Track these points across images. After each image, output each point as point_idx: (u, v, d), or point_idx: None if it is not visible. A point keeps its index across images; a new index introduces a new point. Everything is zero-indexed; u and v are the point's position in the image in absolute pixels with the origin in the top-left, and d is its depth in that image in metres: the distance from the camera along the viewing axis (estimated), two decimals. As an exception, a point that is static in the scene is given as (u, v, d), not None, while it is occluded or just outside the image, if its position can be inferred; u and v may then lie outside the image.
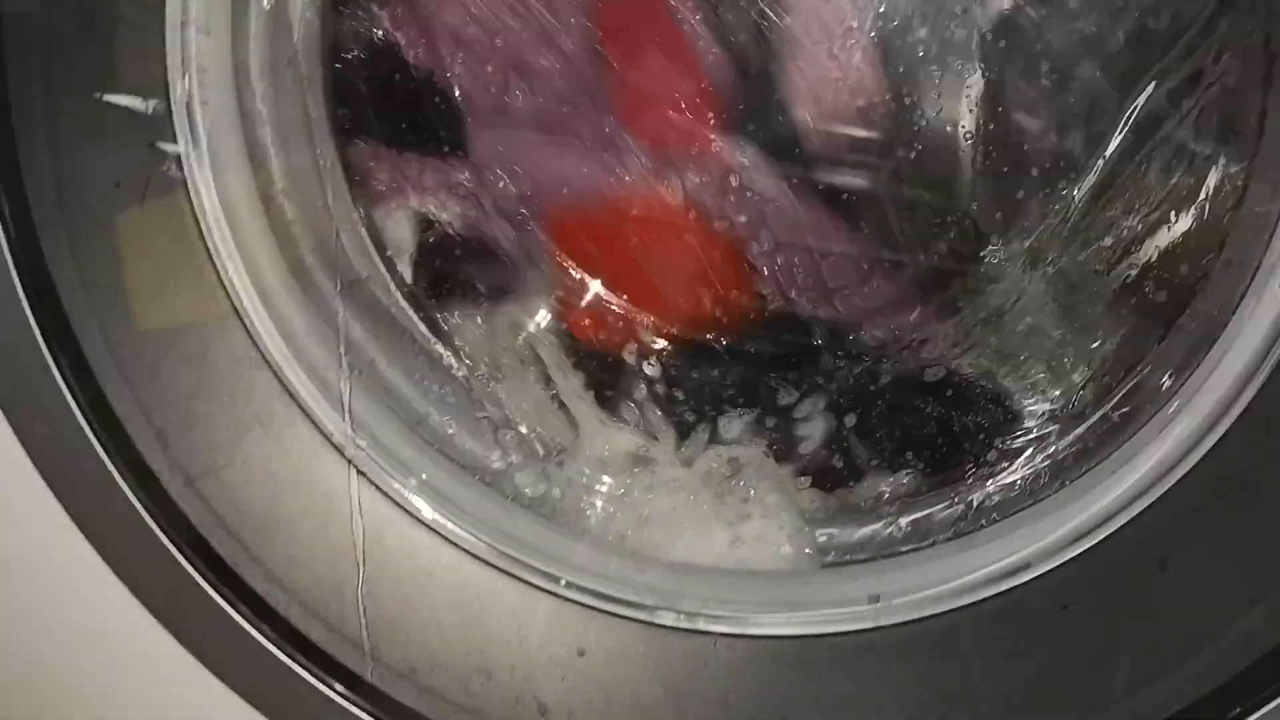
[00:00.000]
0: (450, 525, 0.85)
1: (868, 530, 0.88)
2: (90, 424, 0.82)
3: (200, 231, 0.84)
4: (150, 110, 0.79)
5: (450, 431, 0.92)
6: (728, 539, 0.90)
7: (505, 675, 0.83)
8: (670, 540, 0.90)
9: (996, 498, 0.85)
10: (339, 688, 0.84)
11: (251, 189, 0.86)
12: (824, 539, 0.90)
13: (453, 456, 0.90)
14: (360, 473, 0.85)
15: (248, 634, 0.84)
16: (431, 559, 0.85)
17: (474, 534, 0.85)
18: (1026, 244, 0.87)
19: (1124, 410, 0.81)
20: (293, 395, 0.85)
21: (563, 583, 0.84)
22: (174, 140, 0.80)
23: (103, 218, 0.82)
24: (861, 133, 0.87)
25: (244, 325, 0.85)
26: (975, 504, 0.85)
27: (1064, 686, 0.75)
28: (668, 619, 0.84)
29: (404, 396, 0.92)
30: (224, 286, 0.84)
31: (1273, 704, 0.69)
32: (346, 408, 0.86)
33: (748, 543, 0.89)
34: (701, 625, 0.84)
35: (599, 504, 0.91)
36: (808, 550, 0.89)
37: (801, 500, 0.92)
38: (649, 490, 0.93)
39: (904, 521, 0.88)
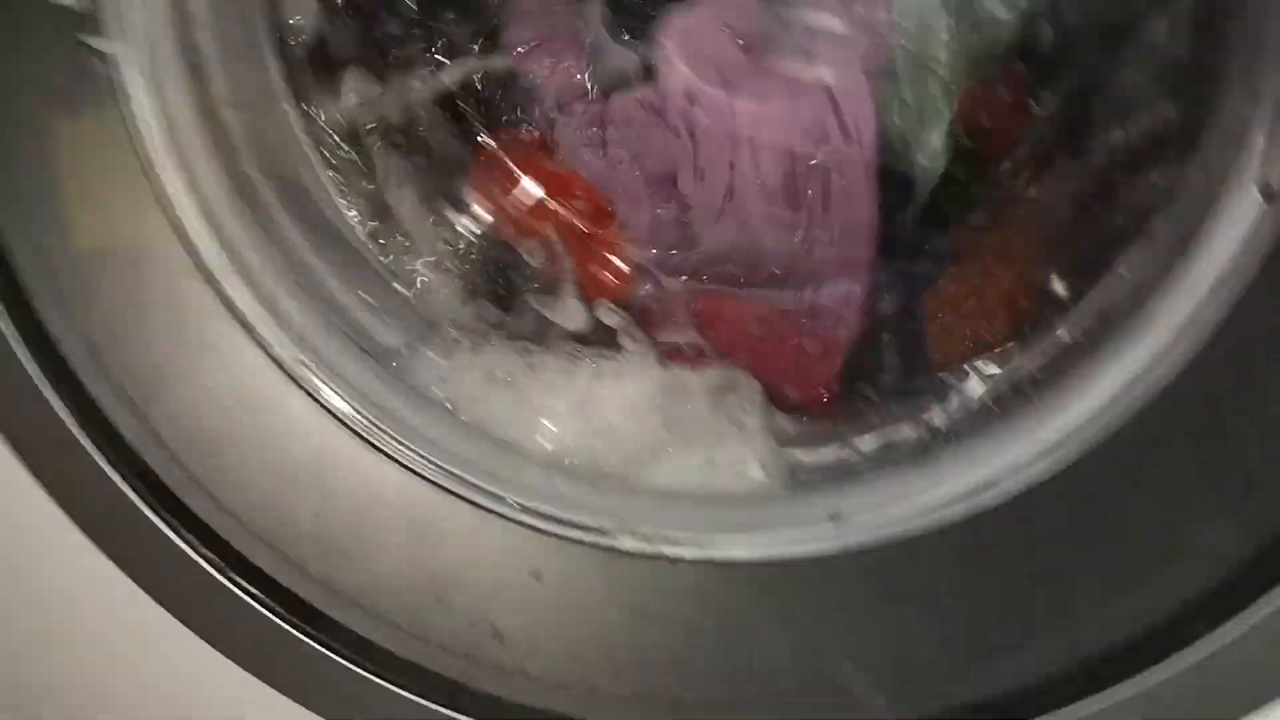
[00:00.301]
0: (400, 446, 0.84)
1: (831, 453, 0.87)
2: (25, 346, 0.80)
3: (137, 142, 0.81)
4: (79, 6, 0.76)
5: (399, 349, 0.89)
6: (700, 462, 0.88)
7: (460, 601, 0.82)
8: (641, 464, 0.88)
9: (960, 417, 0.83)
10: (290, 616, 0.82)
11: (191, 97, 0.83)
12: (789, 461, 0.88)
13: (403, 376, 0.87)
14: (307, 393, 0.83)
15: (194, 562, 0.82)
16: (381, 482, 0.84)
17: (425, 455, 0.84)
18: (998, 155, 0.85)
19: (1092, 323, 0.79)
20: (236, 313, 0.83)
21: (512, 504, 0.82)
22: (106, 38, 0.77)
23: (34, 126, 0.80)
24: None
25: (185, 242, 0.83)
26: (939, 425, 0.84)
27: (1031, 604, 0.74)
28: (627, 543, 0.82)
29: (352, 314, 0.89)
30: (163, 201, 0.82)
31: (1235, 619, 0.68)
32: (290, 326, 0.84)
33: (720, 466, 0.88)
34: (662, 549, 0.82)
35: (550, 424, 0.89)
36: (777, 474, 0.87)
37: (776, 422, 0.90)
38: (615, 411, 0.91)
39: (867, 443, 0.86)
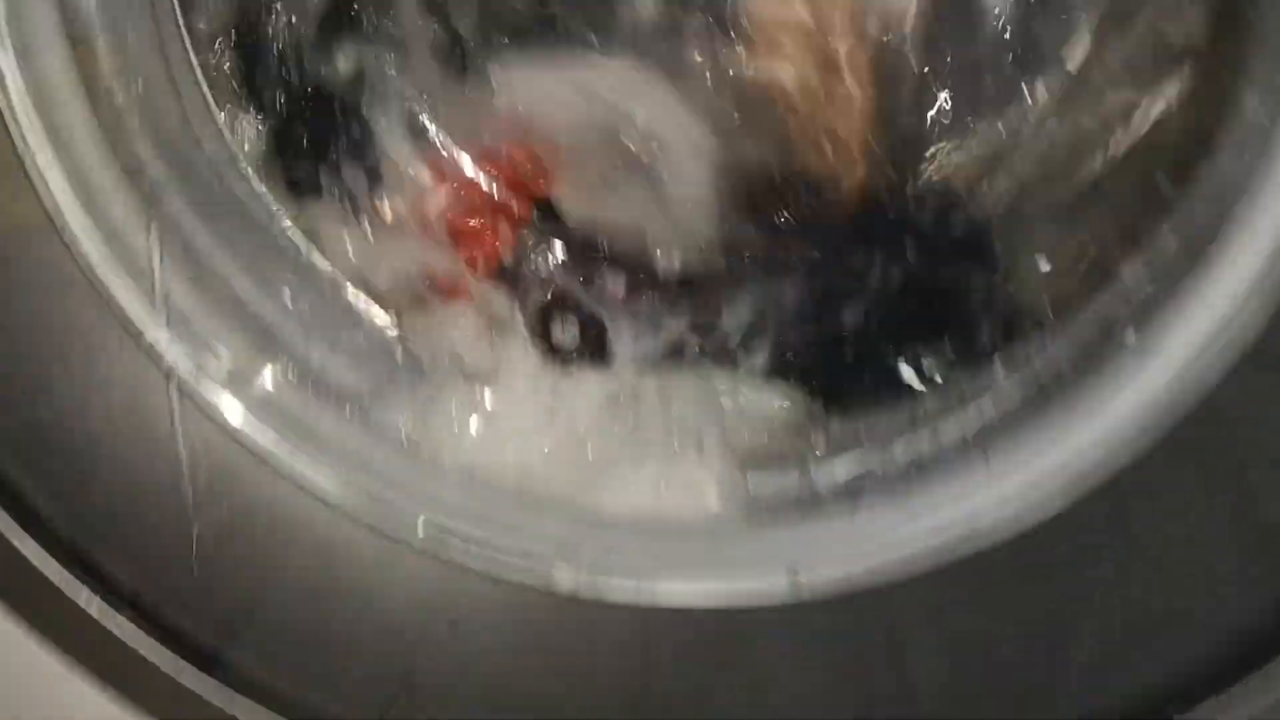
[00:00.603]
0: (307, 462, 0.75)
1: (793, 481, 0.78)
2: None
3: (6, 119, 0.71)
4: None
5: (309, 349, 0.80)
6: (651, 483, 0.79)
7: (364, 650, 0.73)
8: (587, 485, 0.79)
9: (938, 450, 0.75)
10: (180, 656, 0.74)
11: (69, 65, 0.74)
12: (748, 491, 0.79)
13: (309, 378, 0.79)
14: (201, 402, 0.74)
15: (65, 592, 0.73)
16: (285, 503, 0.75)
17: (329, 470, 0.76)
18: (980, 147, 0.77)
19: (1085, 350, 0.71)
20: (119, 312, 0.74)
21: (432, 528, 0.74)
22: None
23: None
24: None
25: (62, 231, 0.74)
26: (914, 458, 0.75)
27: (1015, 667, 0.67)
28: (564, 574, 0.74)
29: (260, 314, 0.80)
30: (36, 185, 0.72)
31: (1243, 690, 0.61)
32: (183, 327, 0.74)
33: (673, 489, 0.79)
34: (601, 583, 0.74)
35: (479, 429, 0.80)
36: (735, 501, 0.78)
37: (739, 441, 0.81)
38: (562, 426, 0.82)
39: (835, 472, 0.78)
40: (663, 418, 0.83)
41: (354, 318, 0.85)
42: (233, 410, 0.75)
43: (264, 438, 0.76)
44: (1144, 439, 0.64)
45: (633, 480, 0.80)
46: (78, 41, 0.74)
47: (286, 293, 0.82)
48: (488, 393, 0.83)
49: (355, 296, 0.86)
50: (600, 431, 0.82)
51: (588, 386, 0.84)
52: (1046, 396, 0.71)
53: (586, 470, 0.81)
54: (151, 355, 0.74)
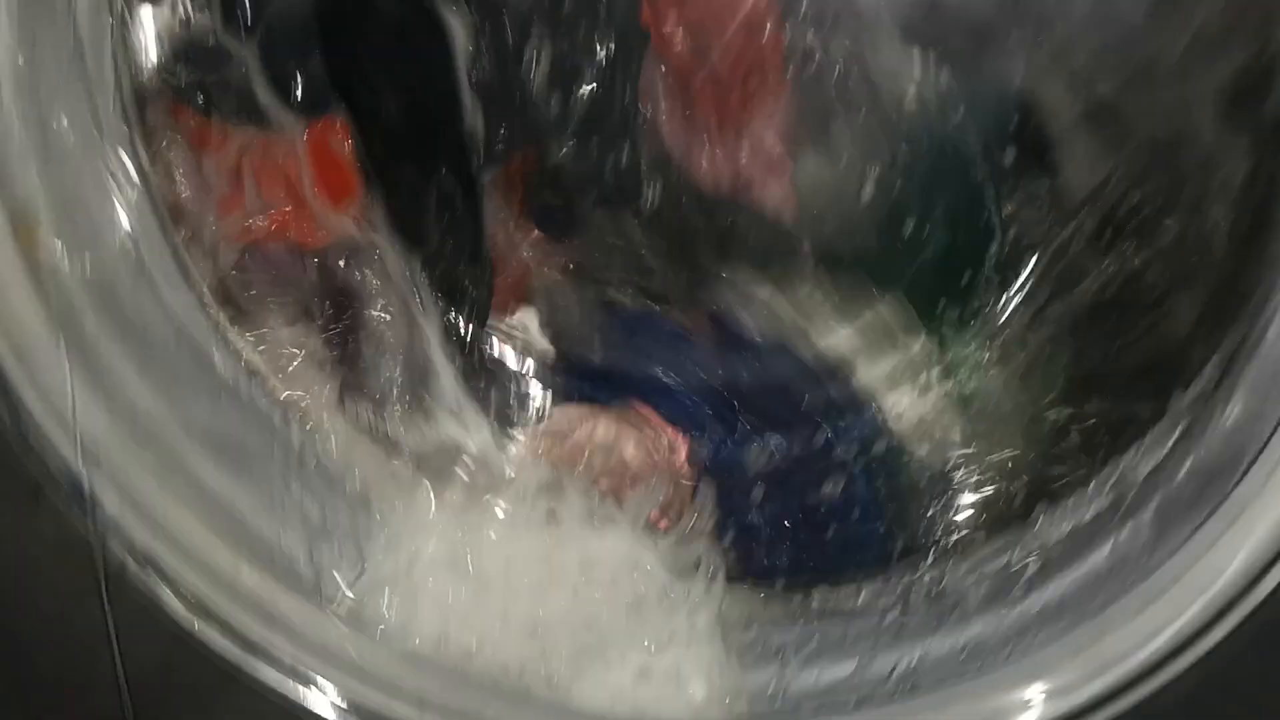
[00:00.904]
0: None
1: (771, 683, 0.72)
2: None
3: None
4: None
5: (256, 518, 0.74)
6: (635, 672, 0.73)
7: None
8: (565, 672, 0.74)
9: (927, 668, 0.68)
10: None
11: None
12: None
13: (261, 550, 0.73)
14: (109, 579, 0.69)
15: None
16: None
17: (280, 651, 0.71)
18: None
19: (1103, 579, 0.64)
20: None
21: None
22: None
23: None
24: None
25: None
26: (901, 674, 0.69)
27: None
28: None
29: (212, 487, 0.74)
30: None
31: None
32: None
33: (655, 679, 0.73)
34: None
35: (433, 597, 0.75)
36: (723, 696, 0.73)
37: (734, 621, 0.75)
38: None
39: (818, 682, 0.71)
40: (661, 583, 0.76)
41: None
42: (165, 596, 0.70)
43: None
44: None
45: (613, 670, 0.74)
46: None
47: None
48: (443, 546, 0.77)
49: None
50: (586, 602, 0.75)
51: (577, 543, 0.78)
52: (1050, 620, 0.65)
53: (561, 652, 0.74)
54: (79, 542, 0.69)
